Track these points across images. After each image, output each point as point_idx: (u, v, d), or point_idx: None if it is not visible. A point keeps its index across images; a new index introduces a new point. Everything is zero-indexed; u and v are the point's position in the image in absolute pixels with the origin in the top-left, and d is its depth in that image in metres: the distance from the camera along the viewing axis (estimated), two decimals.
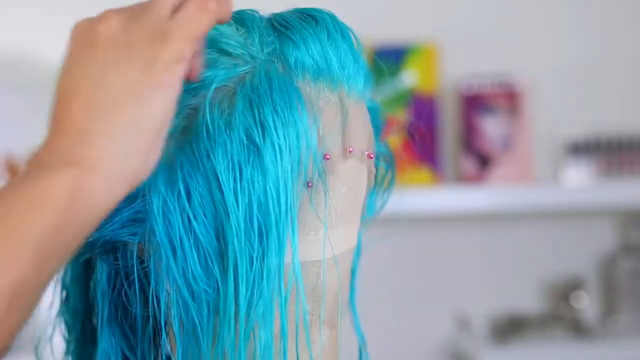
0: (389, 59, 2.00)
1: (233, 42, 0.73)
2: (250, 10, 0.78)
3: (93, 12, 0.66)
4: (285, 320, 0.71)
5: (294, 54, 0.74)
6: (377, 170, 0.82)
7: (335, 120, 0.74)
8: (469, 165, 2.07)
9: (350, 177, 0.75)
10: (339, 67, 0.75)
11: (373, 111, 0.82)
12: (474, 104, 2.06)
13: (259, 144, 0.68)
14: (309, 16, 0.76)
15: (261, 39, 0.74)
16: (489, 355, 2.00)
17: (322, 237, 0.73)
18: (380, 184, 0.85)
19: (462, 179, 2.07)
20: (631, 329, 2.10)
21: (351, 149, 0.74)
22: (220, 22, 0.66)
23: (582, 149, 2.10)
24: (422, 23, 2.11)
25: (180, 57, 0.62)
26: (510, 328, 2.08)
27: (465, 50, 2.12)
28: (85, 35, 0.63)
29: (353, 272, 0.85)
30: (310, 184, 0.73)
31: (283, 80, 0.71)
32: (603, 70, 2.17)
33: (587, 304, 2.13)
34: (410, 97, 1.99)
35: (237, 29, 0.75)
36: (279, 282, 0.70)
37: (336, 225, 0.75)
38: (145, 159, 0.62)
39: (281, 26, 0.75)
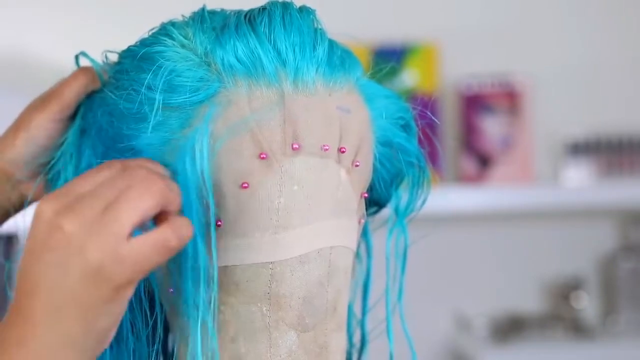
0: (389, 59, 1.99)
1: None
2: (219, 10, 0.76)
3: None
4: (211, 320, 0.70)
5: (220, 54, 0.72)
6: (393, 162, 0.79)
7: (272, 118, 0.71)
8: (469, 165, 2.07)
9: (303, 175, 0.72)
10: (275, 62, 0.72)
11: (388, 100, 0.78)
12: (474, 104, 2.06)
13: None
14: (258, 10, 0.74)
15: (202, 43, 0.73)
16: (489, 355, 2.00)
17: (272, 238, 0.71)
18: (414, 182, 0.82)
19: (462, 179, 2.07)
20: (631, 329, 2.10)
21: (296, 145, 0.71)
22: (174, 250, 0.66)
23: (582, 149, 2.10)
24: (422, 23, 2.11)
25: (130, 283, 0.64)
26: (510, 328, 2.08)
27: (465, 50, 2.12)
28: (46, 231, 0.64)
29: (368, 273, 0.84)
30: (245, 185, 0.71)
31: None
32: (603, 71, 2.17)
33: (587, 304, 2.13)
34: (410, 97, 1.99)
35: (186, 35, 0.74)
36: (207, 284, 0.70)
37: (289, 226, 0.72)
38: (94, 353, 0.66)
39: (215, 28, 0.73)
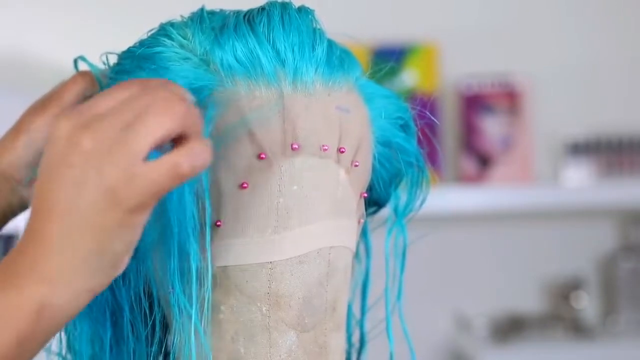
0: (388, 59, 2.00)
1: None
2: (218, 10, 0.76)
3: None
4: (204, 319, 0.70)
5: (219, 54, 0.72)
6: (391, 163, 0.79)
7: (272, 118, 0.71)
8: (469, 165, 2.07)
9: (303, 175, 0.72)
10: (274, 62, 0.72)
11: (388, 100, 0.79)
12: (474, 104, 2.06)
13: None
14: (257, 10, 0.74)
15: (201, 43, 0.73)
16: (489, 355, 2.00)
17: (272, 238, 0.72)
18: (413, 182, 0.82)
19: (462, 179, 2.07)
20: (631, 329, 2.10)
21: (296, 145, 0.72)
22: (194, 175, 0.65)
23: (582, 149, 2.10)
24: (422, 23, 2.11)
25: (143, 207, 0.63)
26: (510, 328, 2.08)
27: (465, 50, 2.12)
28: (64, 147, 0.62)
29: (367, 273, 0.84)
30: (245, 185, 0.71)
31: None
32: (603, 71, 2.17)
33: (587, 304, 2.13)
34: (410, 97, 1.99)
35: (185, 34, 0.74)
36: (203, 285, 0.70)
37: (289, 226, 0.72)
38: (108, 277, 0.64)
39: (214, 29, 0.73)
